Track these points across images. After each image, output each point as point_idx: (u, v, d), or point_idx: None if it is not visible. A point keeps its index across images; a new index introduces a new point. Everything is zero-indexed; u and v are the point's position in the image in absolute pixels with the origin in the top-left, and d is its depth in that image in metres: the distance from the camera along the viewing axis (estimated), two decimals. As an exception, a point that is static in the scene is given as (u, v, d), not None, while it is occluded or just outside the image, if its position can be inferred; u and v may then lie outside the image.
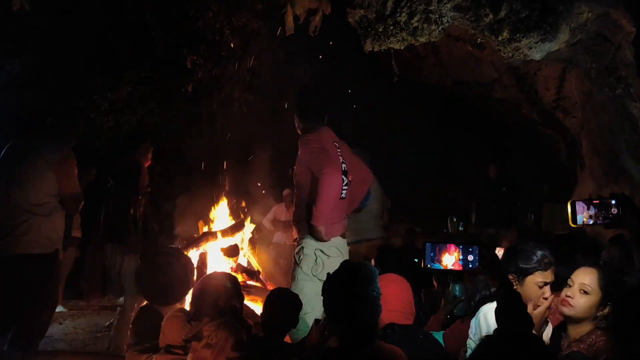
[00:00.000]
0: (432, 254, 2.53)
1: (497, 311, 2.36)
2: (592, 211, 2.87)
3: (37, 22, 7.48)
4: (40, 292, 3.84)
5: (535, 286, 2.86)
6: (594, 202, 2.88)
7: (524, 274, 2.89)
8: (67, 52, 8.26)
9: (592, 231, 6.15)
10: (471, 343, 3.03)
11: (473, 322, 3.04)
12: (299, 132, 4.10)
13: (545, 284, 2.88)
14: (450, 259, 2.53)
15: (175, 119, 8.85)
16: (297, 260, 3.98)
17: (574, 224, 2.93)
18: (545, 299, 2.87)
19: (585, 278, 2.81)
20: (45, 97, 8.30)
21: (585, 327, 2.82)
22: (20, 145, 4.11)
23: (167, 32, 8.09)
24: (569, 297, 2.81)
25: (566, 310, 2.83)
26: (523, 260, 2.90)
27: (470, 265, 2.47)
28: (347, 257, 4.17)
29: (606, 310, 2.78)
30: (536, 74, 6.89)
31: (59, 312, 7.31)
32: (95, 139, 8.78)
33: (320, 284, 3.86)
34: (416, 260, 8.25)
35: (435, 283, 5.25)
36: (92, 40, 8.37)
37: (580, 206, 2.89)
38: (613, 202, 2.82)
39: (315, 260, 3.95)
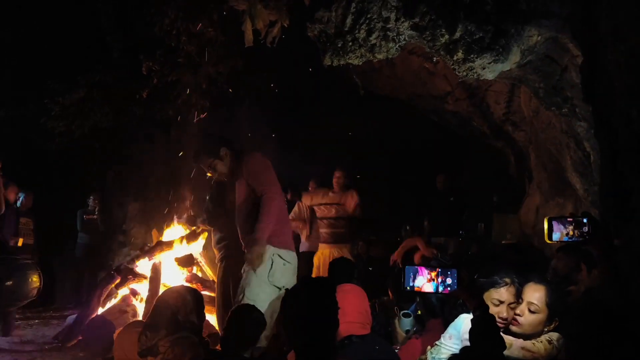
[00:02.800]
0: (411, 276, 2.58)
1: (471, 332, 2.43)
2: (567, 229, 2.98)
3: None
4: None
5: (490, 303, 2.95)
6: (568, 219, 3.01)
7: (479, 290, 2.98)
8: (19, 54, 8.03)
9: (539, 243, 6.40)
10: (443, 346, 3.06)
11: (453, 326, 3.08)
12: (221, 173, 4.38)
13: (500, 302, 2.97)
14: (425, 282, 2.58)
15: (130, 124, 8.72)
16: (266, 268, 4.01)
17: (550, 240, 3.03)
18: (501, 318, 2.94)
19: (532, 296, 2.92)
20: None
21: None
22: None
23: (122, 36, 7.97)
24: (518, 315, 2.93)
25: (514, 329, 2.93)
26: (479, 275, 3.00)
27: (449, 288, 2.53)
28: (296, 267, 4.29)
29: (552, 326, 2.91)
30: (487, 90, 7.12)
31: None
32: (45, 143, 8.56)
33: (275, 290, 3.96)
34: (370, 268, 8.43)
35: (390, 293, 5.37)
36: (45, 42, 8.17)
37: (557, 224, 3.00)
38: (585, 220, 2.95)
39: (272, 266, 4.01)
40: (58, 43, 8.22)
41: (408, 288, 2.57)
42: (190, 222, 5.38)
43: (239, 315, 3.33)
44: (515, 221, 7.87)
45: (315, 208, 7.02)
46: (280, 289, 4.00)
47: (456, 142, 9.37)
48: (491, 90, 7.21)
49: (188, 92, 7.75)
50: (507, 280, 2.98)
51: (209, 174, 4.48)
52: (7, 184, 3.91)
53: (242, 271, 4.07)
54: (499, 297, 2.96)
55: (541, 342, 2.87)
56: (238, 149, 4.43)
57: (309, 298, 2.48)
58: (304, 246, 7.44)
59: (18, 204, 8.00)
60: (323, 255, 6.84)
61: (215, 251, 4.99)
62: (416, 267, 2.58)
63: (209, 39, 7.55)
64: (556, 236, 3.02)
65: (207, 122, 7.91)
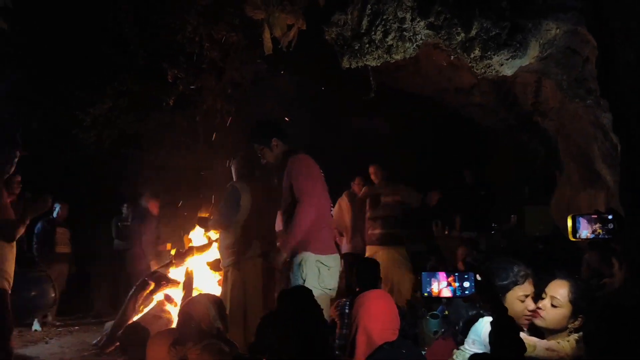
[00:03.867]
0: (428, 282, 2.58)
1: (490, 336, 2.42)
2: (592, 226, 2.94)
3: (17, 40, 7.46)
4: None
5: (517, 301, 2.93)
6: (593, 216, 2.96)
7: (504, 291, 2.96)
8: (48, 68, 8.24)
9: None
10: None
11: (474, 331, 3.06)
12: (268, 161, 4.32)
13: (526, 296, 2.96)
14: (443, 287, 2.58)
15: (157, 131, 8.86)
16: (301, 275, 4.03)
17: (575, 238, 2.99)
18: (530, 311, 2.93)
19: (556, 291, 2.90)
20: (26, 114, 8.29)
21: (560, 338, 2.91)
22: None
23: (146, 45, 8.11)
24: (540, 309, 2.92)
25: (537, 322, 2.93)
26: (499, 279, 2.97)
27: (467, 292, 2.52)
28: (339, 269, 4.33)
29: (577, 323, 2.88)
30: (514, 81, 6.99)
31: (40, 332, 7.33)
32: (77, 154, 8.78)
33: (327, 292, 4.03)
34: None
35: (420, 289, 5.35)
36: (73, 54, 8.36)
37: (582, 221, 2.96)
38: (610, 217, 2.90)
39: (319, 272, 4.04)
40: (83, 54, 8.40)
41: (426, 294, 2.56)
42: (202, 223, 5.42)
43: (266, 324, 3.36)
44: (547, 213, 7.74)
45: (366, 207, 6.79)
46: (329, 290, 4.10)
47: (484, 135, 9.24)
48: (518, 81, 7.08)
49: (213, 97, 7.84)
50: (525, 272, 2.96)
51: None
52: (41, 194, 3.97)
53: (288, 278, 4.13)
54: (524, 292, 2.95)
55: (567, 341, 2.84)
56: (291, 144, 4.38)
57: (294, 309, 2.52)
58: (345, 247, 7.35)
59: (54, 214, 8.24)
60: (379, 258, 6.24)
61: (222, 255, 5.02)
62: (433, 272, 2.57)
63: (231, 43, 7.63)
64: (581, 234, 2.98)
65: (233, 126, 7.98)
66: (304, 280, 4.01)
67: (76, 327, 7.71)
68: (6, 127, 3.95)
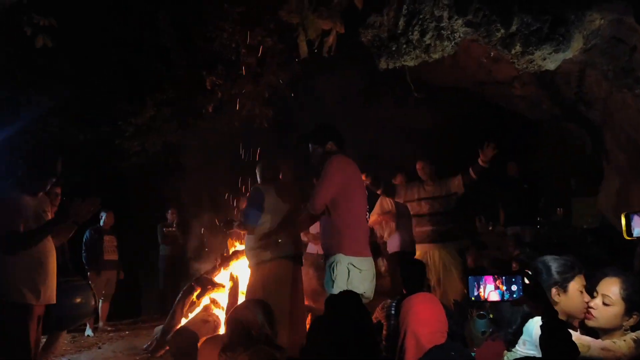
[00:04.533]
0: (475, 286, 2.53)
1: (541, 339, 2.37)
2: None
3: (60, 55, 7.69)
4: None
5: (578, 292, 2.85)
6: None
7: (567, 280, 2.88)
8: (90, 81, 8.47)
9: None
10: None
11: (525, 332, 3.00)
12: (316, 163, 4.27)
13: (584, 287, 2.88)
14: (491, 290, 2.53)
15: (198, 137, 9.01)
16: (332, 276, 4.05)
17: (629, 237, 2.89)
18: (587, 304, 2.86)
19: (608, 289, 2.82)
20: (73, 127, 8.53)
21: (615, 337, 2.82)
22: None
23: (184, 53, 8.24)
24: (592, 308, 2.83)
25: (590, 322, 2.85)
26: (562, 268, 2.89)
27: (514, 295, 2.46)
28: (374, 272, 4.30)
29: (632, 321, 2.79)
30: (556, 71, 6.81)
31: (92, 337, 7.55)
32: (122, 163, 9.00)
33: None
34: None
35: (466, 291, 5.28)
36: (113, 66, 8.57)
37: (636, 218, 2.86)
38: None
39: (348, 274, 4.04)
40: (124, 66, 8.60)
41: (473, 298, 2.52)
42: (227, 225, 5.46)
43: (316, 327, 3.38)
44: (595, 205, 7.54)
45: (413, 204, 6.58)
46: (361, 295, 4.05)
47: (526, 127, 9.05)
48: (560, 71, 6.89)
49: (251, 102, 7.91)
50: (579, 264, 2.89)
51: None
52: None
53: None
54: (582, 282, 2.88)
55: (624, 340, 2.75)
56: (344, 151, 4.33)
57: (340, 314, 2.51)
58: (392, 246, 7.27)
59: (101, 223, 8.46)
60: (432, 258, 6.22)
61: (247, 256, 5.05)
62: (480, 276, 2.52)
63: (267, 48, 7.68)
64: (637, 232, 2.88)
65: (271, 129, 8.04)
66: (334, 282, 4.01)
67: (126, 332, 7.89)
68: (47, 153, 3.95)
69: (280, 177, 5.24)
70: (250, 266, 5.07)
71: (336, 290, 3.91)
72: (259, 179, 5.16)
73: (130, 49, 8.56)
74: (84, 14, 7.90)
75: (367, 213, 4.47)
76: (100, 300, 8.05)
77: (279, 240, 4.77)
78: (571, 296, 2.86)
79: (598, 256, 6.10)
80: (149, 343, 6.58)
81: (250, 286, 4.91)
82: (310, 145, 4.33)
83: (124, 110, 8.67)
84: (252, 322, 3.33)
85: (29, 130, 8.43)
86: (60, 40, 5.33)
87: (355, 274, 4.06)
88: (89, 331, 7.75)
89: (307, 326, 4.80)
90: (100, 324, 8.18)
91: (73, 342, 7.27)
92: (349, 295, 2.98)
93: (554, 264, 2.95)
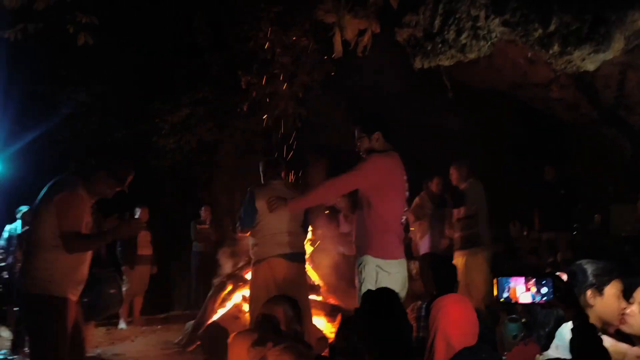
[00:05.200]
0: (505, 287, 2.49)
1: (571, 344, 2.32)
2: None
3: (100, 53, 7.87)
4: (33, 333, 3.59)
5: (614, 297, 2.78)
6: None
7: (604, 283, 2.80)
8: (128, 79, 8.65)
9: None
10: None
11: (558, 336, 2.94)
12: (360, 148, 4.11)
13: (621, 293, 2.81)
14: (522, 292, 2.48)
15: (233, 136, 9.10)
16: (360, 278, 4.02)
17: None
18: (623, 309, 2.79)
19: None
20: (110, 124, 8.72)
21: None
22: (51, 182, 3.80)
23: (220, 53, 8.34)
24: (628, 314, 2.75)
25: (624, 328, 2.77)
26: (599, 271, 2.82)
27: (545, 298, 2.41)
28: (406, 274, 4.23)
29: (669, 328, 2.71)
30: (595, 74, 6.69)
31: (126, 330, 7.69)
32: (157, 160, 9.15)
33: None
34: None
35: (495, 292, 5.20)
36: (151, 66, 8.74)
37: None
38: None
39: (376, 276, 4.00)
40: (161, 65, 8.75)
41: (503, 299, 2.47)
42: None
43: (345, 327, 3.38)
44: (635, 212, 7.35)
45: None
46: None
47: (564, 131, 8.88)
48: (599, 74, 6.76)
49: (285, 102, 7.95)
50: (617, 268, 2.82)
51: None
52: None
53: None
54: (620, 285, 2.80)
55: None
56: (390, 145, 4.14)
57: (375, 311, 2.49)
58: (424, 248, 7.20)
59: (135, 216, 8.61)
60: (460, 262, 6.09)
61: (250, 255, 4.99)
62: (510, 277, 2.48)
63: (302, 48, 7.72)
64: None
65: (304, 129, 8.07)
66: (362, 284, 3.96)
67: (159, 327, 8.00)
68: (124, 164, 3.89)
69: (283, 175, 5.15)
70: (254, 262, 5.00)
71: (364, 290, 3.90)
72: (261, 177, 5.10)
73: (166, 48, 8.70)
74: (122, 14, 8.09)
75: (403, 215, 4.34)
76: (134, 294, 8.20)
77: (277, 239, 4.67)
78: (607, 300, 2.79)
79: (636, 265, 5.95)
80: (181, 337, 6.67)
81: (251, 285, 4.86)
82: (356, 131, 4.17)
83: (160, 109, 8.81)
84: (281, 318, 3.35)
85: (68, 126, 8.66)
86: (99, 38, 5.45)
87: (383, 277, 4.00)
88: (122, 324, 7.90)
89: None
90: (134, 317, 8.31)
91: (108, 334, 7.43)
92: (387, 293, 2.95)
93: (591, 266, 2.88)
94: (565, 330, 2.81)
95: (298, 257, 4.82)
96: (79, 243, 3.56)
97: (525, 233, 9.04)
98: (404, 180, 4.08)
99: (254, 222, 4.72)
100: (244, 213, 4.78)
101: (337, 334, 3.26)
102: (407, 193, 4.15)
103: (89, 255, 3.76)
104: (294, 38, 7.45)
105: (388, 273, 4.00)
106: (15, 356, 6.27)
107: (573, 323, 2.35)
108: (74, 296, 3.63)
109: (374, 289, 3.88)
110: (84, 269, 3.72)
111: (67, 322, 3.57)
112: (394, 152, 4.06)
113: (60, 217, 3.48)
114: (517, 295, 2.44)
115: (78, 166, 3.92)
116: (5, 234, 7.80)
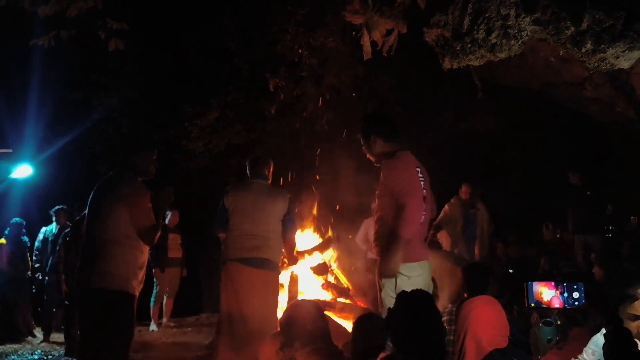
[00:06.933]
0: (534, 293, 2.45)
1: (604, 348, 2.27)
2: None
3: (130, 58, 8.01)
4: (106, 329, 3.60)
5: None
6: None
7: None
8: (158, 83, 8.76)
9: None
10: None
11: (594, 341, 2.88)
12: (371, 157, 3.99)
13: None
14: (552, 297, 2.44)
15: (261, 139, 9.14)
16: (380, 282, 3.94)
17: None
18: None
19: None
20: (140, 127, 8.84)
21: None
22: (106, 180, 3.95)
23: (249, 56, 8.39)
24: None
25: None
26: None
27: (576, 303, 2.37)
28: (429, 276, 4.08)
29: None
30: (630, 72, 6.51)
31: (157, 332, 7.77)
32: (187, 162, 9.24)
33: None
34: (510, 271, 8.03)
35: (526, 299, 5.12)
36: (180, 69, 8.85)
37: None
38: None
39: (396, 281, 3.88)
40: (190, 69, 8.85)
41: (533, 305, 2.43)
42: (321, 271, 5.30)
43: (361, 324, 3.37)
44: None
45: None
46: None
47: (598, 130, 8.69)
48: (636, 71, 6.58)
49: (313, 104, 7.95)
50: None
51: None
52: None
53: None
54: None
55: None
56: (397, 144, 3.92)
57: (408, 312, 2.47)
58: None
59: (166, 221, 8.71)
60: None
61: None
62: (538, 282, 2.44)
63: (329, 50, 7.70)
64: None
65: (331, 130, 8.05)
66: (382, 289, 3.86)
67: (189, 329, 8.07)
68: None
69: (269, 175, 4.95)
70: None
71: (384, 295, 3.82)
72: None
73: (196, 52, 8.80)
74: (152, 19, 8.20)
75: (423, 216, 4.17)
76: (165, 297, 8.28)
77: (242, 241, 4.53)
78: None
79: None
80: (210, 340, 6.71)
81: (220, 288, 4.67)
82: (361, 140, 4.00)
83: (189, 112, 8.90)
84: (308, 320, 3.35)
85: (100, 130, 8.80)
86: (130, 44, 5.53)
87: (403, 281, 3.83)
88: (153, 326, 7.98)
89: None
90: (165, 319, 8.39)
91: (139, 335, 7.51)
92: (421, 295, 2.91)
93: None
94: (600, 335, 2.75)
95: (262, 263, 4.53)
96: (156, 233, 3.71)
97: (558, 236, 8.88)
98: (418, 180, 3.84)
99: (224, 222, 4.61)
100: (217, 213, 4.70)
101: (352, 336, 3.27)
102: (424, 191, 3.86)
103: (146, 254, 3.83)
104: (322, 40, 7.44)
105: (408, 277, 3.84)
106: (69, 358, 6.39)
107: (606, 328, 2.30)
108: (137, 293, 3.72)
109: (393, 293, 3.82)
110: (144, 269, 3.81)
111: (134, 317, 3.68)
112: (401, 152, 3.86)
113: (135, 213, 3.61)
114: (549, 299, 2.40)
115: (120, 162, 3.99)
116: (41, 236, 7.97)
